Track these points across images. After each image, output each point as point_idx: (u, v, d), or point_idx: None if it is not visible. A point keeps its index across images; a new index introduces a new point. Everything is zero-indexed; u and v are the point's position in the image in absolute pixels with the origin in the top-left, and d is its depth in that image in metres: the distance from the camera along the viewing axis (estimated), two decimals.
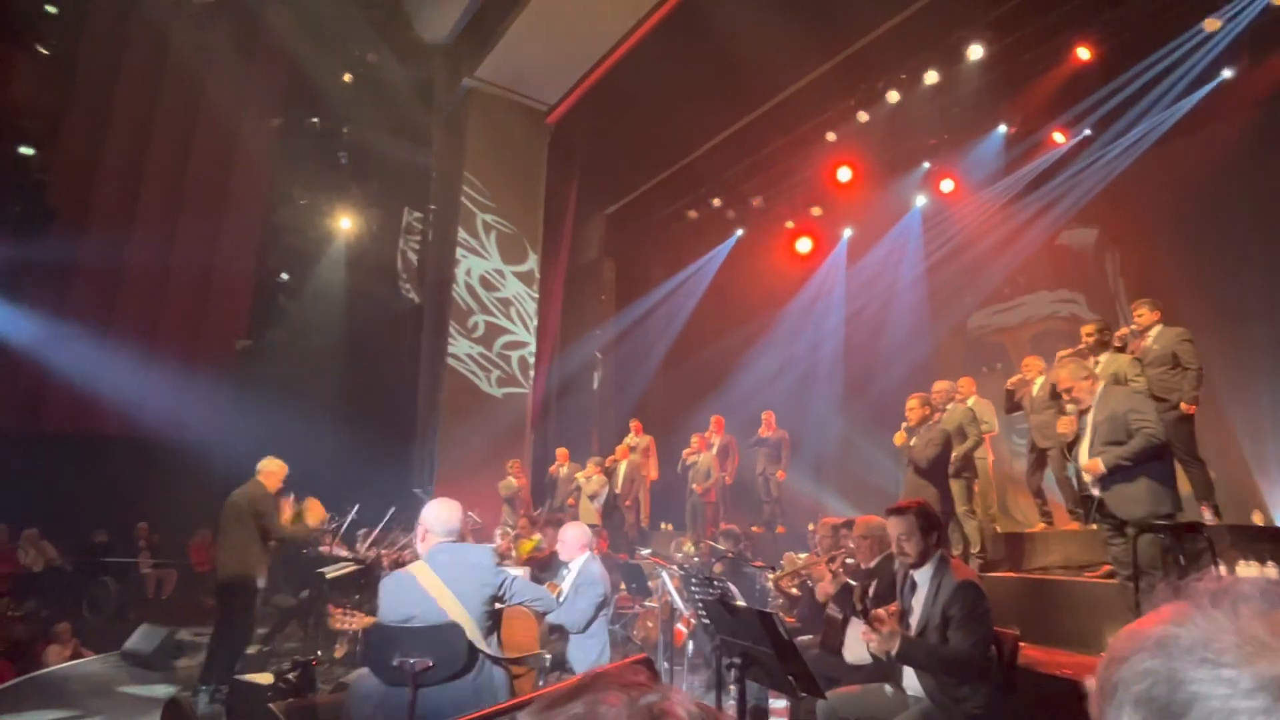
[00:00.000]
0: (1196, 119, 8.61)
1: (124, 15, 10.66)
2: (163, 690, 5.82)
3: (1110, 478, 4.06)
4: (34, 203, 10.05)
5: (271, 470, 5.92)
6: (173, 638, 6.65)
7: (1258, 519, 7.37)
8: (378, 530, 8.16)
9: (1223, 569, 4.33)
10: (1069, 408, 4.54)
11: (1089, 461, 4.14)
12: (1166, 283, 8.29)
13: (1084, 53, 8.50)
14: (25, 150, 10.09)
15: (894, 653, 2.83)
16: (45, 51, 10.05)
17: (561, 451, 10.26)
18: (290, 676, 5.44)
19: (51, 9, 10.07)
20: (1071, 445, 4.33)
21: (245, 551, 5.71)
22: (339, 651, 6.67)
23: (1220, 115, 8.46)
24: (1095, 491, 4.17)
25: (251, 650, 6.18)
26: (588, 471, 9.48)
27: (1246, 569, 4.40)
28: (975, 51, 8.93)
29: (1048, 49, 8.77)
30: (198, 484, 9.40)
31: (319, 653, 6.47)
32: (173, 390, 11.07)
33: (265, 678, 5.46)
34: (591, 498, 9.27)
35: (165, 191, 11.30)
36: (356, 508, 8.11)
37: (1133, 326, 5.67)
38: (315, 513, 6.20)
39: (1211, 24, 7.91)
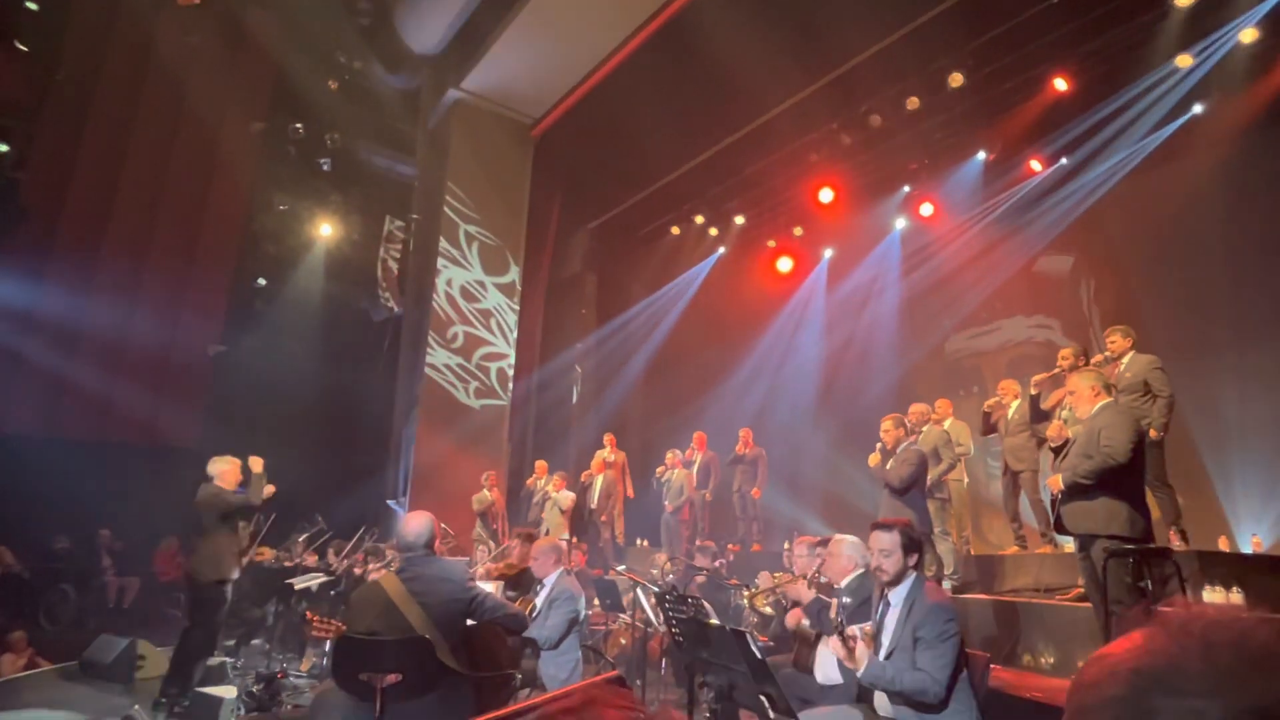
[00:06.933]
0: (1169, 152, 8.83)
1: (108, 14, 10.55)
2: (121, 702, 5.65)
3: (1068, 493, 4.13)
4: (6, 201, 9.88)
5: (224, 469, 5.76)
6: (133, 648, 6.48)
7: (1223, 545, 7.49)
8: (351, 542, 8.06)
9: (1189, 594, 4.39)
10: (1064, 414, 4.60)
11: (1051, 477, 4.26)
12: (1138, 311, 8.46)
13: (1061, 84, 8.68)
14: None
15: (859, 674, 2.83)
16: (24, 48, 9.91)
17: (540, 464, 10.18)
18: (255, 690, 5.34)
19: (32, 5, 9.94)
20: (1058, 450, 4.38)
21: (215, 559, 5.58)
22: (305, 665, 6.55)
23: (1192, 149, 8.69)
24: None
25: (215, 662, 6.03)
26: (556, 484, 9.43)
27: (1212, 594, 4.45)
28: (956, 79, 9.09)
29: (1027, 79, 8.94)
30: (165, 491, 9.20)
31: (285, 666, 6.35)
32: (143, 394, 10.87)
33: (229, 691, 5.34)
34: (563, 511, 9.22)
35: (143, 193, 11.14)
36: (320, 520, 8.01)
37: (1106, 353, 5.76)
38: (256, 463, 6.00)
39: (1184, 60, 8.14)
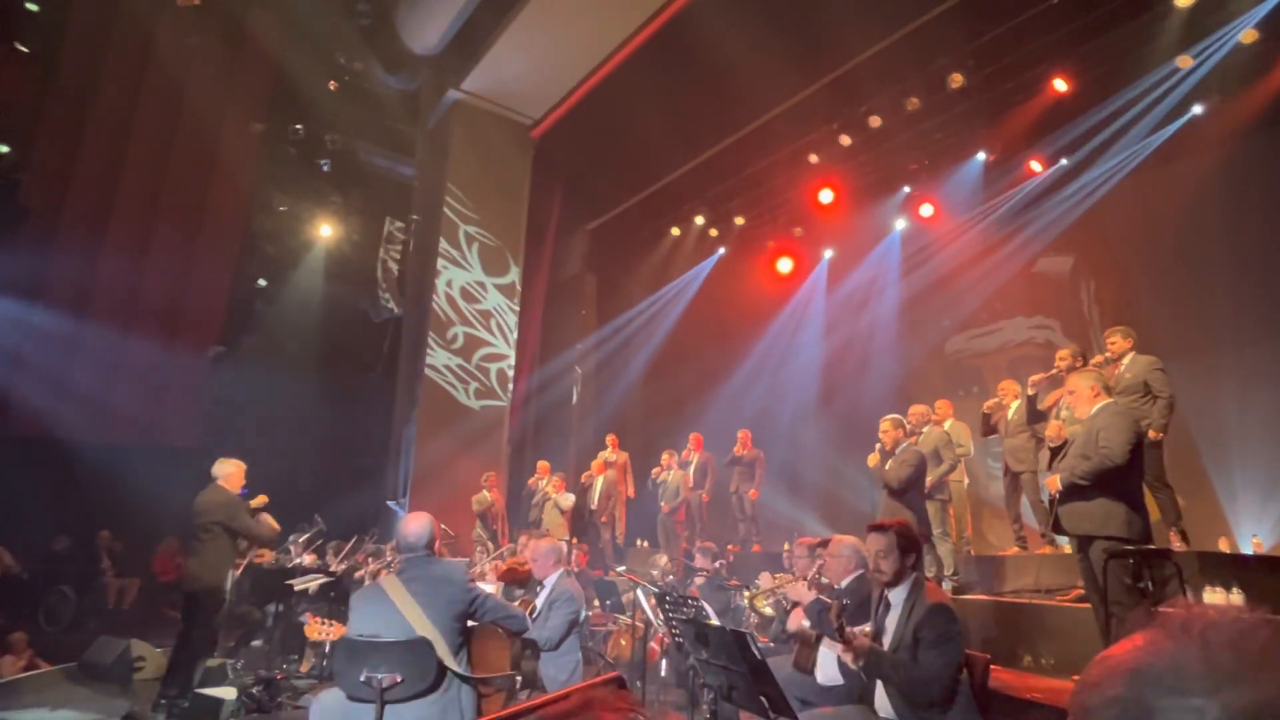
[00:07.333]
0: (1169, 152, 8.83)
1: (108, 15, 10.55)
2: (120, 703, 5.65)
3: (1066, 494, 4.13)
4: (7, 201, 9.88)
5: (230, 472, 5.74)
6: (132, 649, 6.48)
7: (1224, 545, 7.49)
8: (350, 543, 8.06)
9: (1190, 595, 4.39)
10: (1063, 414, 4.59)
11: (1049, 477, 4.27)
12: (1138, 311, 8.46)
13: (1061, 84, 8.68)
14: (0, 148, 9.93)
15: (862, 662, 2.83)
16: (24, 49, 9.92)
17: (542, 464, 10.18)
18: (254, 691, 5.33)
19: (33, 6, 9.96)
20: (1057, 451, 4.38)
21: (214, 561, 5.58)
22: (304, 666, 6.55)
23: (1191, 149, 8.69)
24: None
25: (214, 664, 6.03)
26: (555, 485, 9.43)
27: (1213, 595, 4.45)
28: (956, 79, 9.09)
29: (1027, 79, 8.94)
30: (165, 492, 9.21)
31: (285, 667, 6.34)
32: (143, 395, 10.87)
33: (228, 692, 5.34)
34: (563, 511, 9.22)
35: (143, 194, 11.15)
36: (319, 520, 8.01)
37: (1106, 354, 5.76)
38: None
39: (1184, 61, 8.14)
